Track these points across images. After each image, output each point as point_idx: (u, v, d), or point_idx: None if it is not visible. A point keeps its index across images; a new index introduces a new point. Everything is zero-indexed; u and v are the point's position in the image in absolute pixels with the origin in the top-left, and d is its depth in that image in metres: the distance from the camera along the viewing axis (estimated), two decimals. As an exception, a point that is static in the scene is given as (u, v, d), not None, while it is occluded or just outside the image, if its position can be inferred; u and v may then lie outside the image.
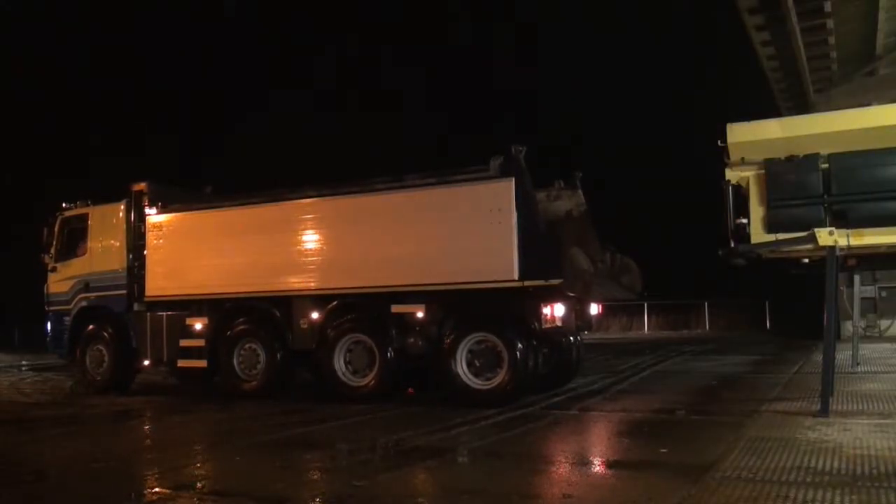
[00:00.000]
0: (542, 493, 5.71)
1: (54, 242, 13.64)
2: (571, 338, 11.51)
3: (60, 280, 13.54)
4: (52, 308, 13.74)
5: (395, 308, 10.46)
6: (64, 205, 13.72)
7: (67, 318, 13.40)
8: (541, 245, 9.74)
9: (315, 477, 6.43)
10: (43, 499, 6.01)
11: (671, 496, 5.20)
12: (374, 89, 45.99)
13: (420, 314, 10.38)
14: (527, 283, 9.64)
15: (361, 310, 10.89)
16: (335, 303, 10.97)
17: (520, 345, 9.80)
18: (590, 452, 7.39)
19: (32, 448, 8.16)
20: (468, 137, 38.96)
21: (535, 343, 10.03)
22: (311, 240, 11.12)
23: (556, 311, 10.14)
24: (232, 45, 47.29)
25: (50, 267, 13.67)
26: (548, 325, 10.00)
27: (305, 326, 11.11)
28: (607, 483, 6.09)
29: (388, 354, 10.47)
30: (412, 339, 10.40)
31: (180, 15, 42.87)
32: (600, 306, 12.03)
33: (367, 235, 10.71)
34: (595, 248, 10.93)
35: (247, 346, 11.66)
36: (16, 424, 9.98)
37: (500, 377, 9.86)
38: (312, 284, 11.06)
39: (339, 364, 10.81)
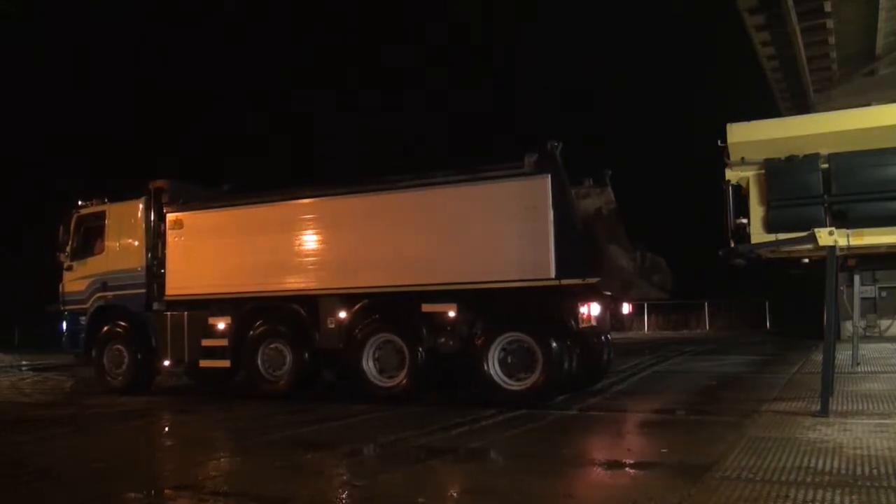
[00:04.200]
0: (543, 493, 5.70)
1: (70, 241, 13.42)
2: (602, 337, 11.34)
3: (76, 279, 13.33)
4: (67, 307, 13.53)
5: (426, 307, 10.26)
6: (80, 202, 13.52)
7: (83, 318, 13.21)
8: (578, 243, 9.54)
9: (315, 477, 6.42)
10: (44, 499, 6.01)
11: (671, 496, 5.20)
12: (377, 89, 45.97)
13: (452, 313, 10.20)
14: (564, 281, 9.44)
15: (391, 309, 10.71)
16: (364, 302, 10.77)
17: (555, 344, 9.60)
18: (590, 452, 7.38)
19: (33, 448, 8.14)
20: (467, 138, 39.00)
21: (569, 343, 9.85)
22: (338, 238, 10.93)
23: (592, 310, 9.98)
24: (245, 45, 47.25)
25: (66, 266, 13.43)
26: (584, 325, 9.84)
27: (333, 326, 10.90)
28: (607, 483, 6.09)
29: (419, 354, 10.29)
30: (443, 339, 10.23)
31: (192, 13, 42.72)
32: (631, 305, 11.87)
33: (396, 233, 10.52)
34: (625, 246, 10.75)
35: (272, 346, 11.44)
36: (16, 424, 9.97)
37: (534, 377, 9.66)
38: (340, 283, 10.85)
39: (368, 364, 10.61)
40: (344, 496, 5.61)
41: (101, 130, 37.79)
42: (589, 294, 9.77)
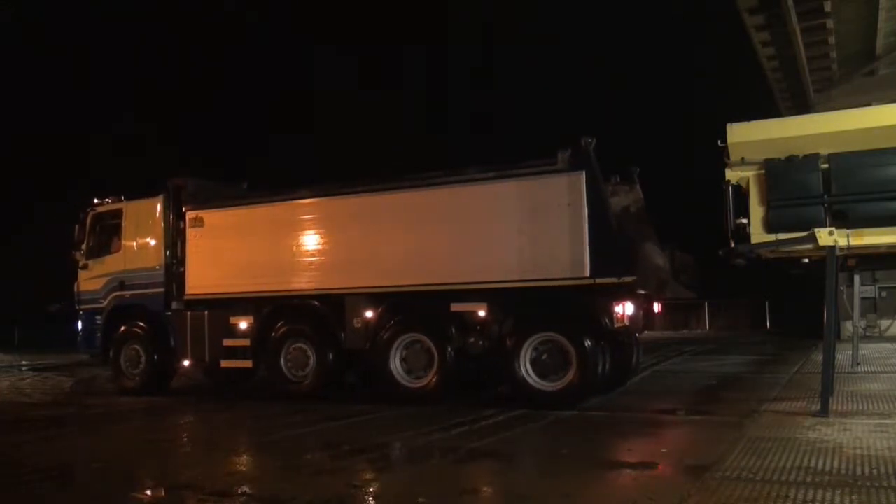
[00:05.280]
0: (542, 492, 5.70)
1: (86, 239, 13.22)
2: (633, 337, 11.17)
3: (92, 278, 13.13)
4: (83, 307, 13.34)
5: (455, 307, 10.08)
6: (95, 200, 13.32)
7: (99, 318, 13.03)
8: (613, 241, 9.34)
9: (315, 477, 6.42)
10: (44, 499, 6.01)
11: (671, 496, 5.20)
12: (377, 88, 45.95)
13: (482, 313, 10.02)
14: (598, 280, 9.26)
15: (419, 308, 10.54)
16: (391, 301, 10.59)
17: (589, 344, 9.43)
18: (589, 452, 7.35)
19: (33, 448, 8.15)
20: (466, 137, 38.99)
21: (603, 343, 9.70)
22: (365, 235, 10.69)
23: (626, 309, 9.84)
24: (245, 45, 47.17)
25: (81, 264, 13.24)
26: (618, 325, 9.69)
27: (359, 325, 10.70)
28: (607, 483, 6.09)
29: (448, 354, 10.11)
30: (473, 339, 10.05)
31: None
32: (660, 305, 11.71)
33: (425, 231, 10.33)
34: (655, 244, 10.60)
35: (295, 346, 11.24)
36: (16, 424, 9.98)
37: (568, 378, 9.47)
38: (367, 282, 10.63)
39: (395, 364, 10.43)
40: (344, 496, 5.60)
41: (101, 130, 37.79)
42: (624, 293, 9.62)
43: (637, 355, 11.63)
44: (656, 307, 11.46)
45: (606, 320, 9.61)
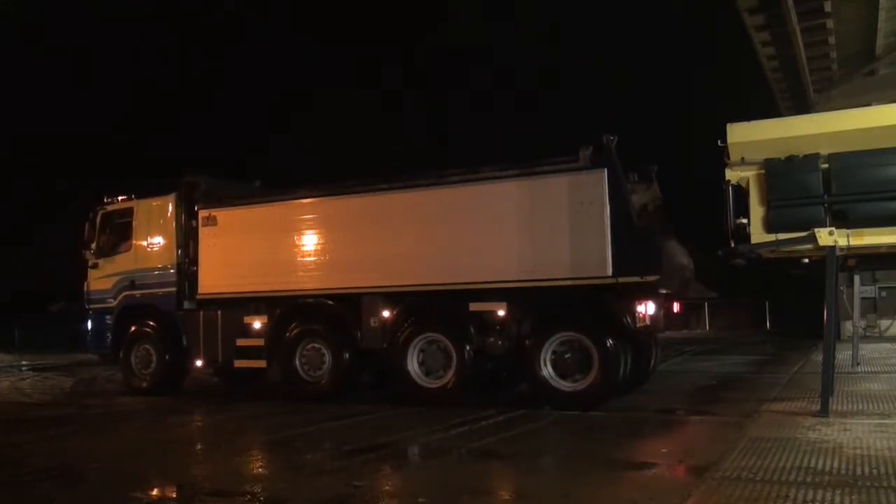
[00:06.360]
0: (541, 492, 5.71)
1: (95, 238, 13.11)
2: (652, 337, 11.05)
3: (102, 277, 13.03)
4: (92, 306, 13.25)
5: (474, 306, 9.98)
6: (105, 199, 13.22)
7: (109, 317, 12.94)
8: (635, 239, 9.20)
9: (315, 476, 6.42)
10: (44, 499, 6.00)
11: (671, 496, 5.20)
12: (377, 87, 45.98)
13: (501, 312, 9.89)
14: (621, 279, 9.17)
15: (437, 308, 10.45)
16: (408, 300, 10.49)
17: (611, 344, 9.32)
18: (590, 452, 7.35)
19: (33, 448, 8.15)
20: (467, 137, 38.99)
21: (624, 343, 9.58)
22: (382, 234, 10.57)
23: (649, 309, 9.77)
24: (245, 45, 47.18)
25: (91, 263, 13.15)
26: (640, 325, 9.62)
27: (376, 325, 10.58)
28: (607, 483, 6.08)
29: (467, 354, 10.00)
30: (492, 339, 9.94)
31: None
32: (679, 305, 11.61)
33: (443, 230, 10.22)
34: (677, 243, 10.49)
35: (310, 345, 11.10)
36: (16, 424, 9.99)
37: (590, 379, 9.36)
38: (384, 281, 10.50)
39: (413, 365, 10.31)
40: (344, 496, 5.60)
41: (101, 130, 37.80)
42: (646, 292, 9.55)
43: (656, 356, 11.48)
44: (676, 307, 11.35)
45: (629, 320, 9.48)
